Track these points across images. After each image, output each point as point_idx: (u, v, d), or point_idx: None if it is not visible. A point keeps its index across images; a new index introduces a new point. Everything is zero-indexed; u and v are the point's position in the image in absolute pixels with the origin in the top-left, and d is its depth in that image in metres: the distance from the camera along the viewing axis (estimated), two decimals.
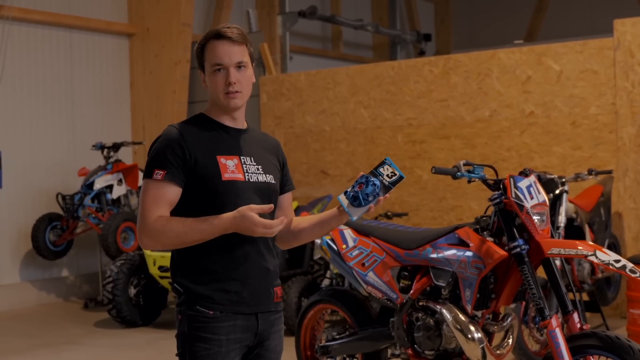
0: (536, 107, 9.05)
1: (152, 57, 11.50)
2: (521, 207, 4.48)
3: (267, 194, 3.20)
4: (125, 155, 11.01)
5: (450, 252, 4.74)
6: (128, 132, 11.65)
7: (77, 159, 10.70)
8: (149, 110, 11.58)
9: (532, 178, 4.65)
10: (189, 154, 3.08)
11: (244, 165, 3.16)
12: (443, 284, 4.77)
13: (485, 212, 4.86)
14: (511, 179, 4.57)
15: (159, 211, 3.06)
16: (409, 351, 4.96)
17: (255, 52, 11.30)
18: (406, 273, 5.04)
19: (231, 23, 3.27)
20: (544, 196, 4.63)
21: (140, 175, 10.14)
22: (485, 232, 4.71)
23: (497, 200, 4.59)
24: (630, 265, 4.24)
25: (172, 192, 3.09)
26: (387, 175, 3.17)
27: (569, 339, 4.30)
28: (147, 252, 8.57)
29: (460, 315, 4.65)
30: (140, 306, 8.84)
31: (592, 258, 4.27)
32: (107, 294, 8.64)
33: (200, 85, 11.99)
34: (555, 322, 4.31)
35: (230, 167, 3.11)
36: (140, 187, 10.03)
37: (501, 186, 4.61)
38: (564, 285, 4.54)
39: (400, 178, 3.17)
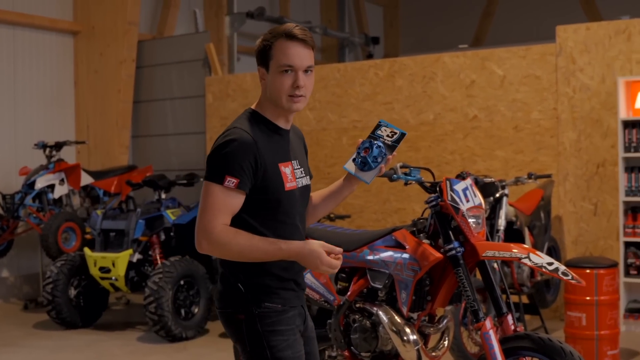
0: (479, 111, 9.13)
1: (97, 55, 11.38)
2: (457, 209, 4.52)
3: (307, 197, 3.33)
4: (68, 155, 10.87)
5: (387, 254, 4.75)
6: (72, 132, 11.51)
7: (19, 158, 10.54)
8: (94, 109, 11.46)
9: (469, 181, 4.69)
10: (261, 163, 3.08)
11: (295, 171, 3.22)
12: (380, 286, 4.78)
13: (422, 215, 4.89)
14: (447, 182, 4.60)
15: (225, 219, 3.06)
16: (346, 353, 4.97)
17: (201, 53, 11.29)
18: (343, 275, 5.05)
19: (295, 23, 3.29)
20: (480, 199, 4.66)
21: (83, 175, 10.03)
22: (421, 235, 4.74)
23: (434, 202, 4.62)
24: (562, 268, 4.29)
25: (239, 201, 3.09)
26: (388, 136, 3.26)
27: (502, 341, 4.34)
28: (88, 253, 8.49)
29: (396, 317, 4.67)
30: (80, 307, 8.75)
31: (526, 261, 4.32)
32: (47, 295, 8.52)
33: (146, 85, 11.92)
34: (489, 324, 4.35)
35: (289, 176, 3.16)
36: (82, 187, 10.02)
37: (438, 189, 4.64)
38: (499, 288, 4.58)
39: (402, 135, 3.27)
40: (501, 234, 6.93)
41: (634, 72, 8.27)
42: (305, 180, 3.27)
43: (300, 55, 3.11)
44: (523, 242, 7.21)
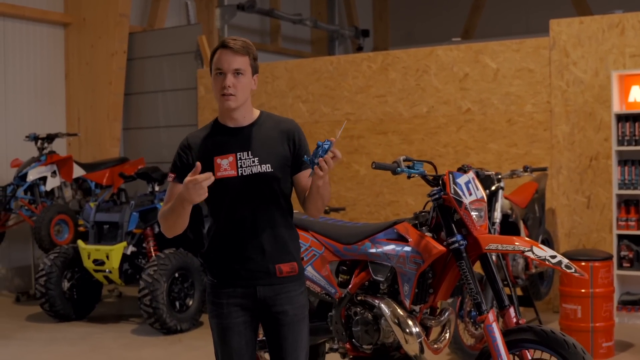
0: (473, 104, 9.15)
1: (88, 47, 11.33)
2: (460, 203, 4.52)
3: (262, 183, 3.61)
4: (59, 147, 10.83)
5: (389, 247, 4.75)
6: (63, 124, 11.46)
7: (10, 150, 10.49)
8: (84, 101, 11.41)
9: (471, 174, 4.69)
10: (192, 158, 3.64)
11: (239, 161, 3.61)
12: (381, 279, 4.78)
13: (424, 208, 4.89)
14: (450, 175, 4.60)
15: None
16: (347, 345, 4.97)
17: (193, 45, 11.25)
18: (345, 268, 5.05)
19: (237, 36, 3.69)
20: (482, 192, 4.67)
21: (75, 167, 10.01)
22: (424, 228, 4.74)
23: (436, 196, 4.62)
24: (565, 261, 4.31)
25: (179, 190, 3.55)
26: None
27: (505, 334, 4.36)
28: (82, 245, 8.46)
29: (399, 310, 4.67)
30: (73, 300, 8.74)
31: (529, 254, 4.33)
32: (40, 288, 8.50)
33: (137, 77, 11.86)
34: (492, 316, 4.36)
35: (224, 166, 3.60)
36: (74, 180, 9.99)
37: (440, 182, 4.64)
38: (501, 280, 4.59)
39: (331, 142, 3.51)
40: (497, 227, 6.94)
41: (627, 66, 8.31)
42: (257, 169, 3.60)
43: (229, 60, 3.56)
44: (519, 234, 7.23)
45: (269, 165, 3.61)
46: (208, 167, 3.57)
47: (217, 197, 3.61)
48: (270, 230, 3.64)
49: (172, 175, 3.68)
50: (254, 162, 3.61)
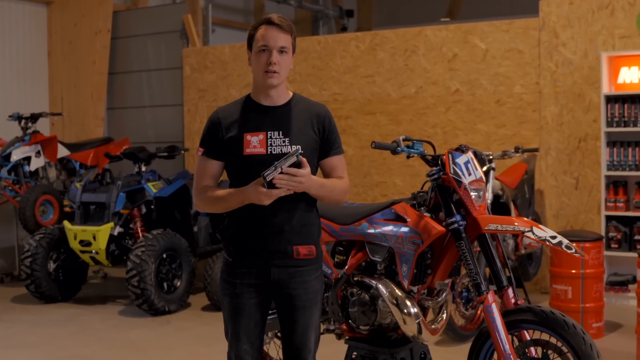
0: (461, 85, 9.12)
1: (72, 26, 11.19)
2: (459, 183, 4.49)
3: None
4: (42, 127, 10.69)
5: (387, 228, 4.71)
6: (45, 103, 11.32)
7: None
8: (68, 81, 11.28)
9: (470, 154, 4.66)
10: (221, 133, 3.69)
11: (269, 139, 3.65)
12: (379, 259, 4.74)
13: (422, 188, 4.86)
14: (449, 155, 4.57)
15: (204, 181, 3.74)
16: (344, 326, 4.94)
17: (178, 24, 11.13)
18: (341, 248, 5.00)
19: (280, 14, 3.71)
20: (480, 172, 4.64)
21: (59, 147, 9.89)
22: (422, 208, 4.70)
23: (435, 176, 4.59)
24: (566, 241, 4.29)
25: (211, 165, 3.73)
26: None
27: (504, 314, 4.34)
28: (68, 226, 8.38)
29: (397, 290, 4.64)
30: (59, 281, 8.67)
31: (529, 234, 4.31)
32: (26, 269, 8.42)
33: (121, 56, 11.71)
34: (491, 297, 4.35)
35: (253, 143, 3.64)
36: (58, 160, 9.88)
37: (439, 162, 4.61)
38: (499, 261, 4.57)
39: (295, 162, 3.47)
40: (489, 208, 6.92)
41: (616, 47, 8.30)
42: (287, 149, 3.63)
43: (275, 37, 3.61)
44: (509, 215, 7.22)
45: (299, 146, 3.61)
46: (237, 142, 3.64)
47: (242, 174, 3.64)
48: (292, 211, 3.68)
49: (202, 149, 3.74)
50: (284, 142, 3.65)
